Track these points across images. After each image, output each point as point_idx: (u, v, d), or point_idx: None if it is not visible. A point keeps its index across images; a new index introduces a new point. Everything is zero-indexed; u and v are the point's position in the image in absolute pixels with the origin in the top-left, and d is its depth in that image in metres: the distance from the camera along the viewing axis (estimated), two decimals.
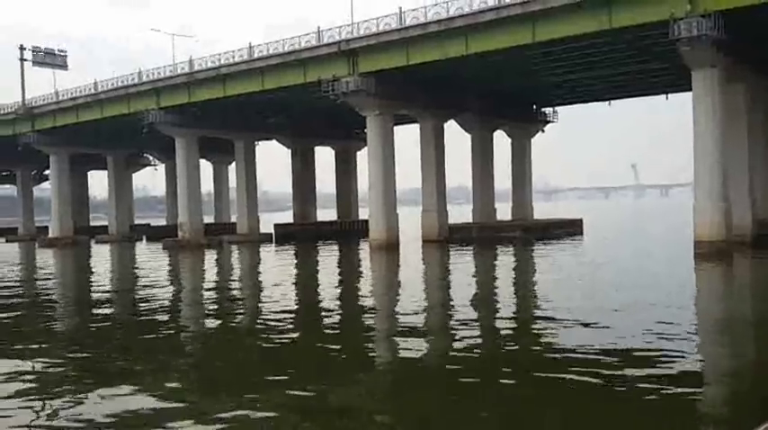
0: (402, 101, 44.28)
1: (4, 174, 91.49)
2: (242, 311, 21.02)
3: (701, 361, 12.38)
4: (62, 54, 68.42)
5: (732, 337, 14.65)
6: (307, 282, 29.82)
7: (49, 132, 63.34)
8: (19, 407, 10.17)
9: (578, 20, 33.72)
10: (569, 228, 51.65)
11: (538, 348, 13.73)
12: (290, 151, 65.34)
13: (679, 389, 10.14)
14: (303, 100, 50.68)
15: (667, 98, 53.71)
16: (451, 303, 21.05)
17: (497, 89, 49.50)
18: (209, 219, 67.17)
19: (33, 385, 11.67)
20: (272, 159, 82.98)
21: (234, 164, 63.20)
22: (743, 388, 10.51)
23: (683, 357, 12.09)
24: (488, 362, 12.75)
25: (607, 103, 58.32)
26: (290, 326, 17.75)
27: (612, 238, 49.75)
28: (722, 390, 10.49)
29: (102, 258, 48.90)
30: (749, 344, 14.19)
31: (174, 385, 11.60)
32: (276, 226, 59.73)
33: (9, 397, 10.77)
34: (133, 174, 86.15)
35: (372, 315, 19.32)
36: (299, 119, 59.84)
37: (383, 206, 43.51)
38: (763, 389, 10.35)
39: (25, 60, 66.42)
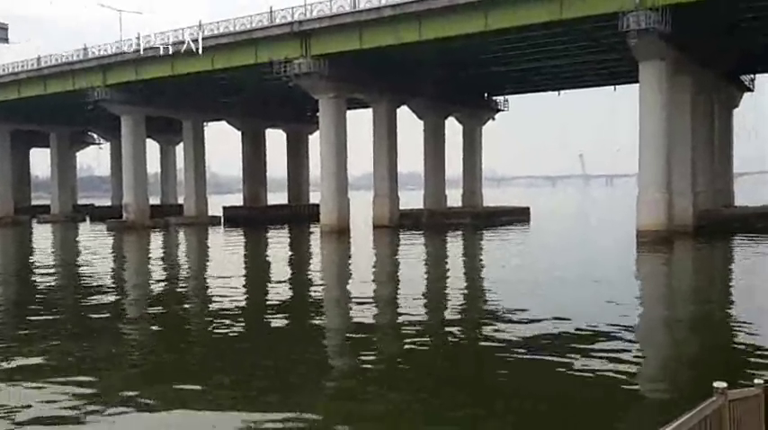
0: (355, 84, 43.95)
1: None
2: (185, 300, 20.60)
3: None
4: (2, 27, 65.63)
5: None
6: (254, 269, 29.35)
7: None
8: None
9: (531, 9, 34.05)
10: (517, 216, 52.37)
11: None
12: (240, 133, 64.31)
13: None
14: (254, 81, 49.92)
15: (615, 89, 54.99)
16: (398, 292, 21.10)
17: (451, 76, 49.64)
18: (155, 200, 65.77)
19: None
20: (223, 141, 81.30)
21: (182, 144, 61.93)
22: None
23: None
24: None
25: (557, 93, 59.46)
26: (230, 322, 17.37)
27: (558, 226, 50.69)
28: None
29: (43, 239, 47.34)
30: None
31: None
32: (225, 208, 58.91)
33: None
34: (78, 153, 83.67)
35: (320, 309, 19.19)
36: (250, 100, 58.86)
37: (335, 190, 43.27)
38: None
39: None
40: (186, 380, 10.51)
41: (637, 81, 34.47)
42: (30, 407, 9.10)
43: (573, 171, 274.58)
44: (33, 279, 24.85)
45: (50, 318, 16.44)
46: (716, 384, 3.85)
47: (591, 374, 10.40)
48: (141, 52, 47.27)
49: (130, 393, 9.63)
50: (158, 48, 46.71)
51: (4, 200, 65.23)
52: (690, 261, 29.18)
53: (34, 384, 10.18)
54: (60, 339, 13.75)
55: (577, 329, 13.35)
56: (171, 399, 9.40)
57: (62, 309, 18.12)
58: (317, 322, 15.97)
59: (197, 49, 43.72)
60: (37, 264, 30.49)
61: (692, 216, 36.78)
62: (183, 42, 45.67)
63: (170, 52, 46.03)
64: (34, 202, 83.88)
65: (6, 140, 65.03)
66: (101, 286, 22.02)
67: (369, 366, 11.41)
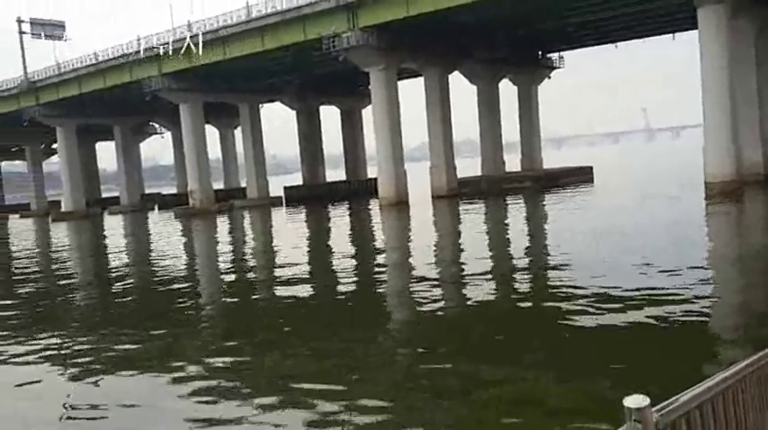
0: (405, 54, 43.60)
1: (12, 150, 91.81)
2: (264, 274, 21.27)
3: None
4: (60, 25, 67.81)
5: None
6: (319, 248, 29.93)
7: (54, 105, 63.20)
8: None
9: None
10: (579, 176, 51.34)
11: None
12: (294, 113, 65.00)
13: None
14: (305, 59, 50.06)
15: (674, 38, 52.83)
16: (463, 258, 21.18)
17: (502, 36, 48.53)
18: (218, 184, 67.33)
19: None
20: (280, 122, 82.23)
21: (240, 128, 63.06)
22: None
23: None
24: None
25: (614, 45, 57.41)
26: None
27: (623, 184, 49.25)
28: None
29: (115, 231, 49.25)
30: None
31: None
32: (286, 188, 59.85)
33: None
34: (141, 144, 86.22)
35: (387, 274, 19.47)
36: (303, 79, 59.31)
37: (391, 163, 43.38)
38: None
39: (24, 33, 65.94)
40: None
41: (695, 27, 33.12)
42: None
43: (636, 126, 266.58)
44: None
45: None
46: None
47: None
48: (194, 39, 48.02)
49: None
50: (209, 32, 47.42)
51: (75, 194, 67.89)
52: (760, 212, 28.14)
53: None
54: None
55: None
56: None
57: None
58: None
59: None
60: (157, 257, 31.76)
61: (763, 164, 35.34)
62: (233, 25, 46.30)
63: (220, 35, 46.70)
64: (104, 195, 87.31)
65: (73, 136, 67.35)
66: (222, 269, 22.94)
67: None
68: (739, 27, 33.39)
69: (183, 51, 48.98)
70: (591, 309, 11.88)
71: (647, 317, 11.14)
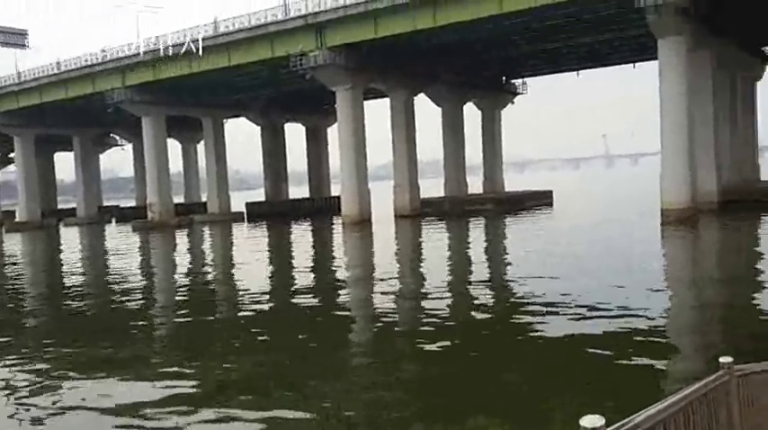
0: (372, 74, 43.89)
1: None
2: (216, 296, 20.91)
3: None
4: (22, 33, 66.47)
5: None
6: (279, 264, 29.65)
7: (13, 114, 61.71)
8: None
9: None
10: (540, 200, 52.09)
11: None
12: (259, 128, 64.68)
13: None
14: (271, 76, 50.00)
15: (634, 67, 54.25)
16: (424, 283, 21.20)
17: (467, 61, 49.32)
18: (179, 199, 66.46)
19: None
20: (244, 137, 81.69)
21: (203, 142, 62.44)
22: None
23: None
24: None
25: (576, 73, 58.74)
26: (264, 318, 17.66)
27: (582, 209, 50.10)
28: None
29: (71, 243, 48.13)
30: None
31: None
32: (248, 204, 59.33)
33: None
34: (101, 156, 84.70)
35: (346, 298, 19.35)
36: (268, 95, 59.14)
37: (355, 182, 43.36)
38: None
39: None
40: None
41: (656, 57, 34.03)
42: None
43: (596, 152, 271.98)
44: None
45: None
46: (722, 359, 3.85)
47: None
48: (160, 52, 47.61)
49: None
50: (173, 46, 47.01)
51: (31, 204, 66.30)
52: (714, 238, 28.85)
53: None
54: None
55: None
56: None
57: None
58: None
59: (199, 49, 44.00)
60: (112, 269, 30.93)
61: (716, 192, 36.30)
62: (198, 40, 45.94)
63: (188, 50, 46.35)
64: (60, 206, 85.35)
65: (30, 145, 65.87)
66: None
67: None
68: (698, 58, 34.42)
69: (147, 64, 48.51)
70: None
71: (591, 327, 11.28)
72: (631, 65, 54.23)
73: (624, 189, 72.53)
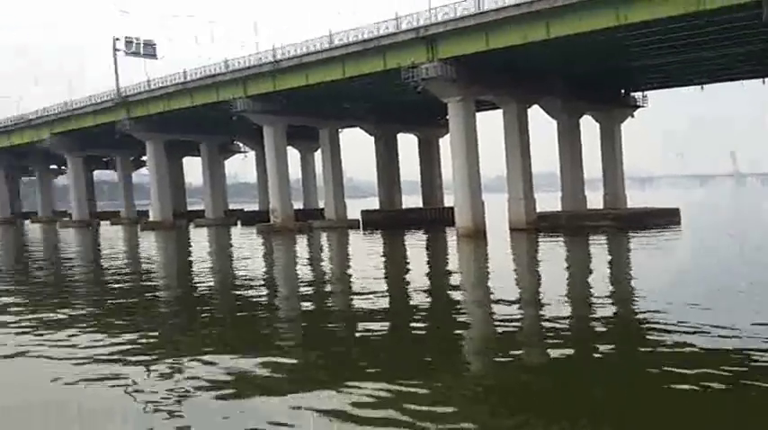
0: (483, 86, 43.46)
1: (104, 160, 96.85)
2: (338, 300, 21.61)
3: None
4: (152, 44, 71.45)
5: None
6: (401, 272, 30.00)
7: (144, 120, 66.35)
8: None
9: (666, 1, 32.27)
10: (665, 218, 49.31)
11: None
12: (372, 138, 65.84)
13: None
14: (384, 87, 50.74)
15: (764, 82, 50.86)
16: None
17: (583, 73, 47.87)
18: (298, 204, 68.74)
19: None
20: (358, 146, 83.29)
21: (320, 150, 64.38)
22: None
23: None
24: None
25: (699, 87, 55.74)
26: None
27: (718, 229, 46.04)
28: None
29: (203, 241, 50.88)
30: None
31: None
32: (363, 212, 60.46)
33: None
34: (225, 162, 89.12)
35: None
36: (382, 106, 59.99)
37: (468, 193, 43.11)
38: None
39: (118, 50, 69.72)
40: None
41: None
42: None
43: (723, 169, 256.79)
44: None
45: None
46: None
47: None
48: (278, 64, 49.71)
49: None
50: (293, 58, 48.97)
51: (164, 205, 70.72)
52: None
53: None
54: None
55: None
56: None
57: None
58: None
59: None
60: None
61: None
62: (315, 53, 47.56)
63: (304, 62, 48.10)
64: (189, 208, 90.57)
65: (162, 150, 70.42)
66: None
67: None
68: None
69: (266, 75, 50.87)
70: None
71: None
72: (761, 80, 50.95)
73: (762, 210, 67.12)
